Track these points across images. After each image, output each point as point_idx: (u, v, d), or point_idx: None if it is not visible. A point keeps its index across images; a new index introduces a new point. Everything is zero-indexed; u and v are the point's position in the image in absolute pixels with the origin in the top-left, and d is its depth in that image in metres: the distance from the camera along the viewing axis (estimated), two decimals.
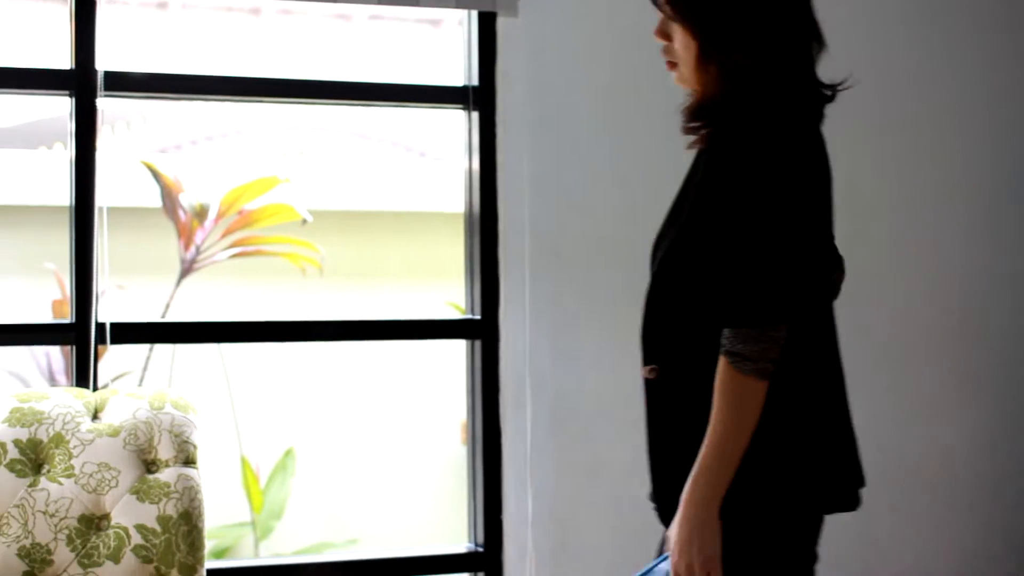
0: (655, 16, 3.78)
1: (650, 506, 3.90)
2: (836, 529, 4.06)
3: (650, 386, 2.47)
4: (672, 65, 2.51)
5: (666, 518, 2.44)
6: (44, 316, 5.31)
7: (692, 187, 2.46)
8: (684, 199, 2.47)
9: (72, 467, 3.02)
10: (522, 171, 3.82)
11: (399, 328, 3.98)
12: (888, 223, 4.16)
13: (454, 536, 4.61)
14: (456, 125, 3.94)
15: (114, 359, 3.55)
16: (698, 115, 2.42)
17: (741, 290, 2.29)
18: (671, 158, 3.99)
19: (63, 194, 3.53)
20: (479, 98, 3.83)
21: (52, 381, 5.41)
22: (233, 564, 4.08)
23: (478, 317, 3.83)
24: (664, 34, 2.50)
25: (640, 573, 2.40)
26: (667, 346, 2.42)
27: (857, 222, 4.14)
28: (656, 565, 2.40)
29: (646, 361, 2.44)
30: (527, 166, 3.84)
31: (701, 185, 2.41)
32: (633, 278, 3.94)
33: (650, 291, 2.42)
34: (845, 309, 4.09)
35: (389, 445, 5.33)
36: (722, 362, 2.31)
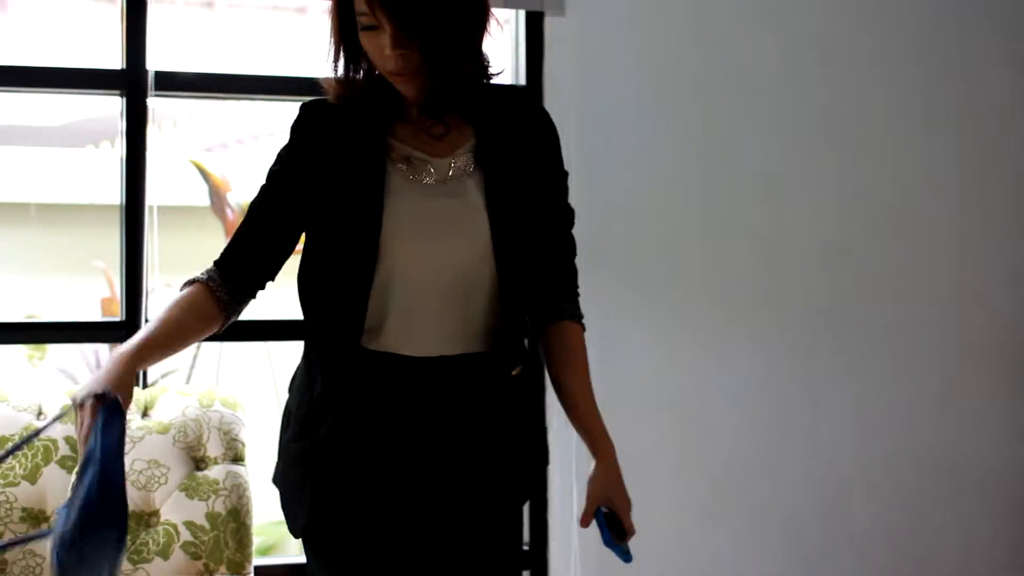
0: (702, 15, 3.80)
1: (698, 503, 3.91)
2: (887, 524, 4.06)
3: (513, 383, 2.43)
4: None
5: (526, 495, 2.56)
6: (93, 314, 5.34)
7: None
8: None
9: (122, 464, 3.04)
10: (568, 167, 3.81)
11: None
12: (938, 222, 4.15)
13: None
14: None
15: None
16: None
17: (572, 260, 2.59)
18: (717, 157, 4.00)
19: (110, 193, 3.55)
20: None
21: None
22: (279, 561, 4.09)
23: None
24: None
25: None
26: (522, 341, 2.41)
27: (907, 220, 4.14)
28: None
29: (511, 363, 2.39)
30: (573, 164, 3.82)
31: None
32: (678, 276, 3.95)
33: (507, 292, 2.36)
34: (890, 309, 4.08)
35: None
36: (577, 326, 2.57)
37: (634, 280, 3.90)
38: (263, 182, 2.37)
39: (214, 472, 3.10)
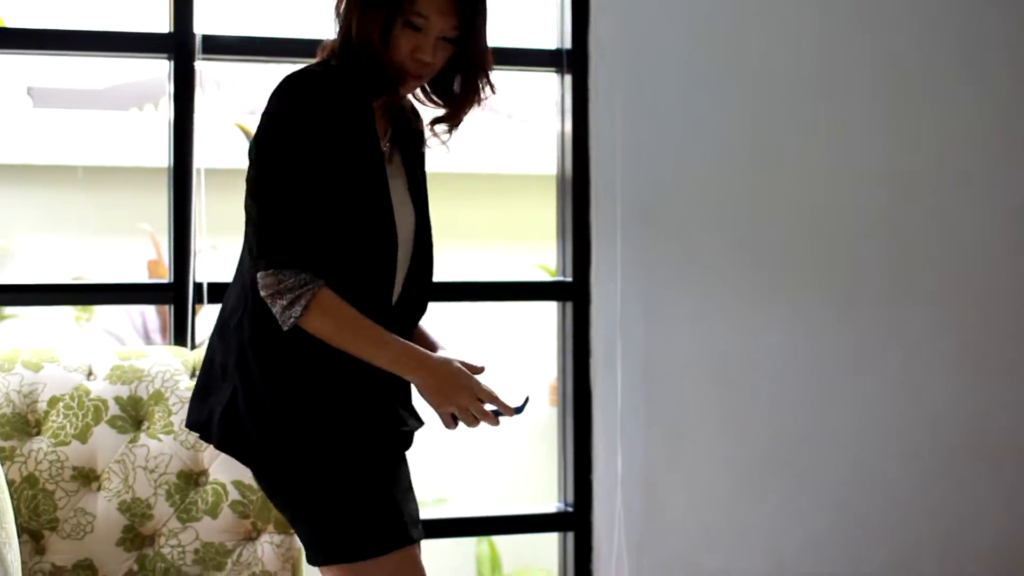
0: None
1: (741, 468, 3.91)
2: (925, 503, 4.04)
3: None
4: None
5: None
6: (139, 276, 5.38)
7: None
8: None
9: (171, 424, 3.07)
10: (614, 134, 3.83)
11: (492, 289, 4.01)
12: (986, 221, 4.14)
13: (542, 497, 4.64)
14: (545, 88, 3.94)
15: (208, 318, 3.59)
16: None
17: None
18: (763, 122, 3.99)
19: (156, 155, 3.57)
20: (572, 61, 3.83)
21: (147, 340, 5.48)
22: None
23: (570, 279, 3.85)
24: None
25: None
26: None
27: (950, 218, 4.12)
28: None
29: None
30: (619, 129, 3.84)
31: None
32: (726, 240, 3.95)
33: (425, 277, 2.66)
34: (934, 276, 4.07)
35: None
36: None
37: (681, 246, 3.90)
38: (299, 161, 2.40)
39: None
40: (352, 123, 2.45)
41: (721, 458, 3.96)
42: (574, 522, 3.87)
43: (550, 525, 3.93)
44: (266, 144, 2.43)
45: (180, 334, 3.49)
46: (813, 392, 4.03)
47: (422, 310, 2.70)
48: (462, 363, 2.59)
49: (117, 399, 3.07)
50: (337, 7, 2.52)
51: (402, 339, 2.49)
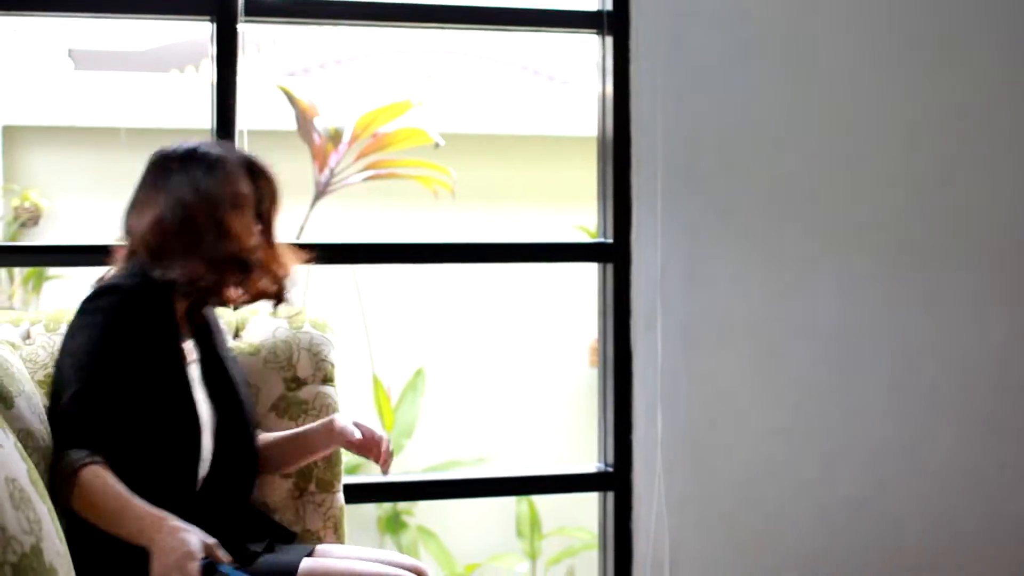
0: None
1: (782, 428, 3.91)
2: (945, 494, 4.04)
3: None
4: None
5: None
6: None
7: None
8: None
9: None
10: (655, 95, 3.82)
11: (532, 251, 4.02)
12: None
13: (582, 457, 4.66)
14: (586, 49, 3.93)
15: None
16: None
17: None
18: (805, 82, 3.98)
19: (198, 117, 3.58)
20: (613, 22, 3.83)
21: None
22: (366, 480, 4.15)
23: (610, 241, 3.85)
24: None
25: None
26: None
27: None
28: None
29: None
30: (660, 90, 3.83)
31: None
32: (766, 202, 3.94)
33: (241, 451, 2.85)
34: (974, 241, 4.05)
35: (518, 367, 5.38)
36: None
37: (721, 207, 3.90)
38: (99, 363, 2.57)
39: (304, 392, 3.14)
40: (156, 338, 2.65)
41: (762, 418, 3.97)
42: (614, 482, 3.89)
43: (590, 485, 3.95)
44: (71, 345, 2.60)
45: None
46: (853, 352, 4.03)
47: (246, 482, 2.85)
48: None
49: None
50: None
51: (155, 516, 2.45)
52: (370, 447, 2.91)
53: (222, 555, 2.44)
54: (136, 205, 2.77)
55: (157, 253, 2.69)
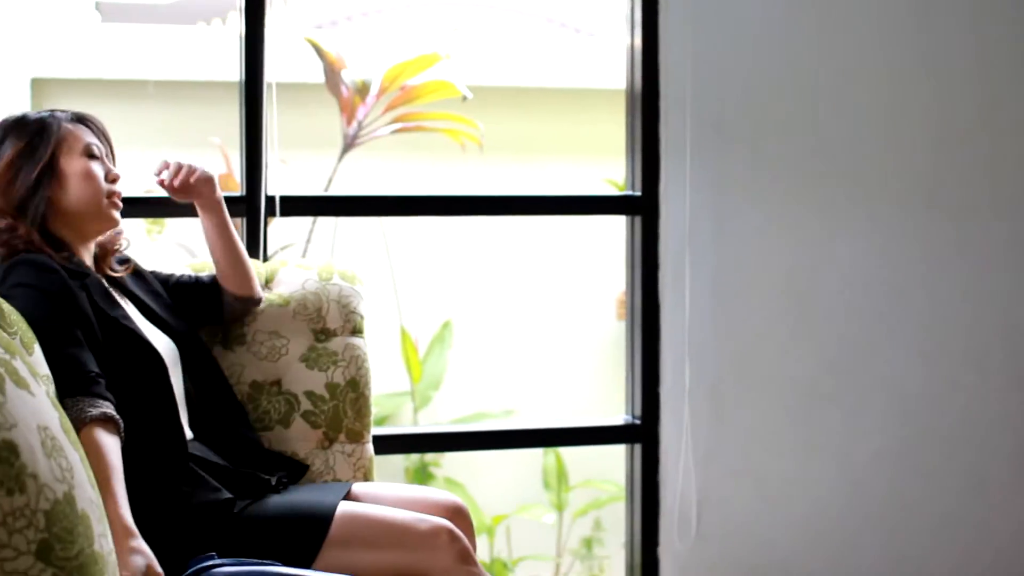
0: None
1: (810, 380, 3.91)
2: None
3: None
4: None
5: None
6: None
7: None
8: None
9: (244, 335, 3.11)
10: (684, 47, 3.80)
11: (560, 203, 4.01)
12: None
13: (608, 410, 4.67)
14: (614, 1, 3.91)
15: (276, 232, 3.63)
16: None
17: None
18: (835, 32, 3.96)
19: (224, 69, 3.58)
20: None
21: None
22: (393, 431, 4.17)
23: (638, 193, 3.85)
24: None
25: None
26: None
27: None
28: None
29: None
30: (689, 42, 3.81)
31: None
32: (796, 153, 3.93)
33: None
34: (1008, 191, 4.03)
35: (545, 320, 5.38)
36: None
37: (750, 159, 3.89)
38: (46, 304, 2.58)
39: (333, 344, 3.15)
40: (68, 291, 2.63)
41: (790, 370, 3.97)
42: (642, 434, 3.90)
43: (618, 437, 3.96)
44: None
45: (252, 246, 3.52)
46: (883, 304, 4.02)
47: (235, 414, 2.93)
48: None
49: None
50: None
51: (121, 525, 2.40)
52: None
53: None
54: None
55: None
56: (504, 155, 5.15)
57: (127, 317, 2.72)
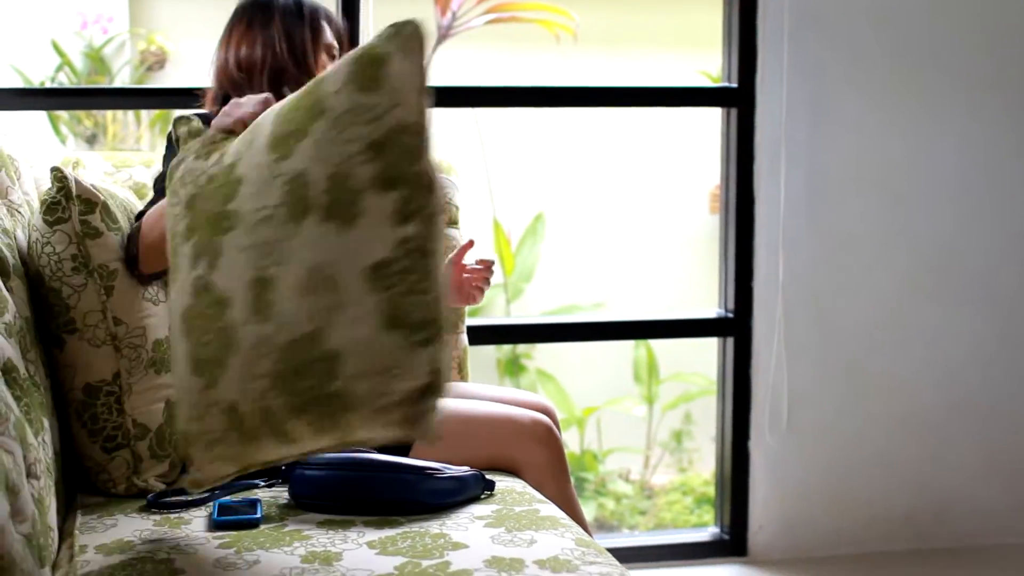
0: None
1: (907, 276, 3.88)
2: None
3: None
4: None
5: None
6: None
7: None
8: None
9: None
10: None
11: (656, 95, 3.99)
12: None
13: (700, 303, 4.68)
14: None
15: None
16: None
17: None
18: None
19: None
20: None
21: None
22: (486, 323, 4.21)
23: (735, 85, 3.82)
24: None
25: None
26: None
27: None
28: None
29: None
30: None
31: None
32: (895, 41, 3.87)
33: None
34: None
35: (637, 213, 5.37)
36: None
37: (849, 49, 3.84)
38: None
39: None
40: None
41: (886, 265, 3.94)
42: (734, 327, 3.90)
43: (710, 330, 3.97)
44: None
45: None
46: (985, 200, 3.98)
47: None
48: None
49: None
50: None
51: None
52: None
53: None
54: (227, 44, 2.84)
55: (239, 90, 2.77)
56: (598, 46, 5.11)
57: None
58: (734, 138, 3.84)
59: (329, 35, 2.86)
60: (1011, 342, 4.03)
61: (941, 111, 3.92)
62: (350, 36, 3.51)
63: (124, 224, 2.51)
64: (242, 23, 2.83)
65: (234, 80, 2.80)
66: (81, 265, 2.44)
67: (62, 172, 2.45)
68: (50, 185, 2.46)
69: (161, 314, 2.53)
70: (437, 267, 1.94)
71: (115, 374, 2.48)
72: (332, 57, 2.85)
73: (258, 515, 2.30)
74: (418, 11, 4.96)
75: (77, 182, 2.45)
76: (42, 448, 2.16)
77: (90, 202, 2.45)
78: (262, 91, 2.70)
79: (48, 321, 2.46)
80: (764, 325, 3.88)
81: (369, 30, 3.55)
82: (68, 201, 2.44)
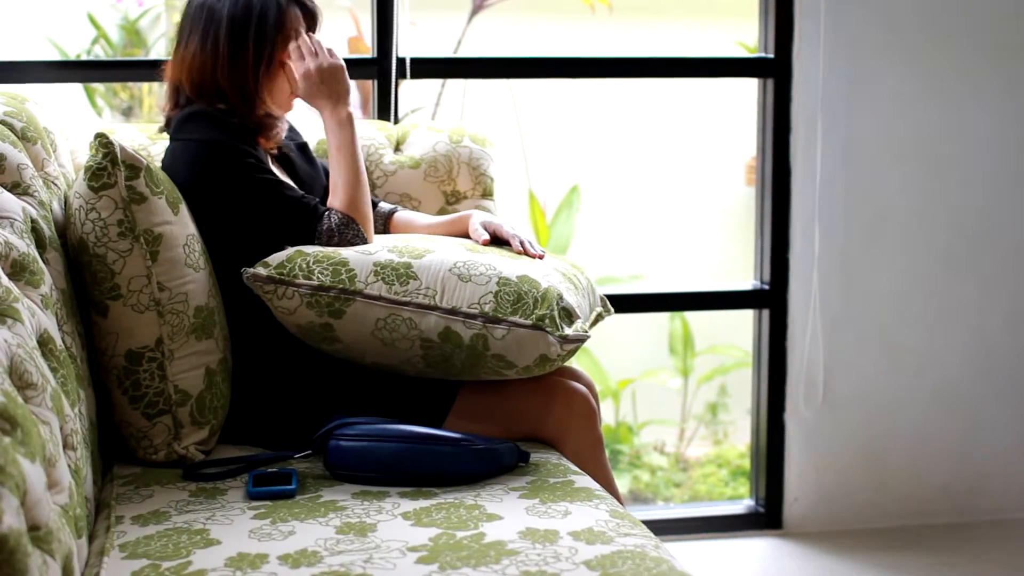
0: None
1: (943, 247, 3.86)
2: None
3: None
4: None
5: None
6: (341, 53, 5.43)
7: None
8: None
9: (376, 194, 3.14)
10: None
11: (692, 65, 3.97)
12: None
13: (736, 275, 4.66)
14: None
15: (404, 96, 3.64)
16: None
17: None
18: None
19: None
20: None
21: None
22: None
23: (771, 55, 3.80)
24: None
25: None
26: None
27: None
28: None
29: None
30: None
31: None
32: (932, 16, 3.84)
33: None
34: None
35: (673, 185, 5.36)
36: None
37: (886, 18, 3.82)
38: (258, 176, 2.72)
39: (463, 206, 3.18)
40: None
41: (922, 237, 3.92)
42: (770, 299, 3.89)
43: (746, 302, 3.96)
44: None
45: (383, 108, 3.54)
46: (1020, 171, 3.95)
47: None
48: None
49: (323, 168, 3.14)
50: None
51: None
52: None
53: None
54: (179, 47, 2.85)
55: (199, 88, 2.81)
56: (634, 17, 5.09)
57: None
58: (770, 109, 3.82)
59: (285, 30, 2.83)
60: None
61: (978, 82, 3.89)
62: (379, 0, 3.52)
63: (168, 188, 2.53)
64: (195, 31, 2.81)
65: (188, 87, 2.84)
66: (128, 230, 2.45)
67: (107, 138, 2.46)
68: (93, 152, 2.47)
69: (201, 280, 2.55)
70: None
71: (157, 340, 2.49)
72: (298, 36, 2.86)
73: (293, 486, 2.31)
74: None
75: (122, 148, 2.45)
76: (78, 419, 2.17)
77: (135, 167, 2.46)
78: (214, 102, 2.78)
79: (91, 288, 2.47)
80: (800, 297, 3.87)
81: (403, 0, 3.54)
82: (114, 167, 2.44)
